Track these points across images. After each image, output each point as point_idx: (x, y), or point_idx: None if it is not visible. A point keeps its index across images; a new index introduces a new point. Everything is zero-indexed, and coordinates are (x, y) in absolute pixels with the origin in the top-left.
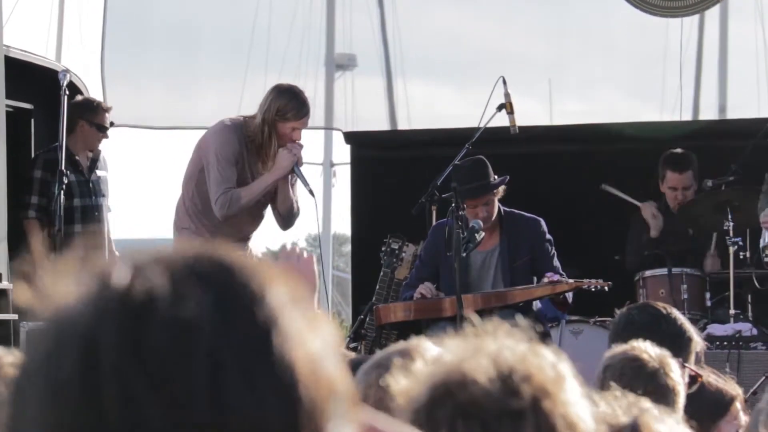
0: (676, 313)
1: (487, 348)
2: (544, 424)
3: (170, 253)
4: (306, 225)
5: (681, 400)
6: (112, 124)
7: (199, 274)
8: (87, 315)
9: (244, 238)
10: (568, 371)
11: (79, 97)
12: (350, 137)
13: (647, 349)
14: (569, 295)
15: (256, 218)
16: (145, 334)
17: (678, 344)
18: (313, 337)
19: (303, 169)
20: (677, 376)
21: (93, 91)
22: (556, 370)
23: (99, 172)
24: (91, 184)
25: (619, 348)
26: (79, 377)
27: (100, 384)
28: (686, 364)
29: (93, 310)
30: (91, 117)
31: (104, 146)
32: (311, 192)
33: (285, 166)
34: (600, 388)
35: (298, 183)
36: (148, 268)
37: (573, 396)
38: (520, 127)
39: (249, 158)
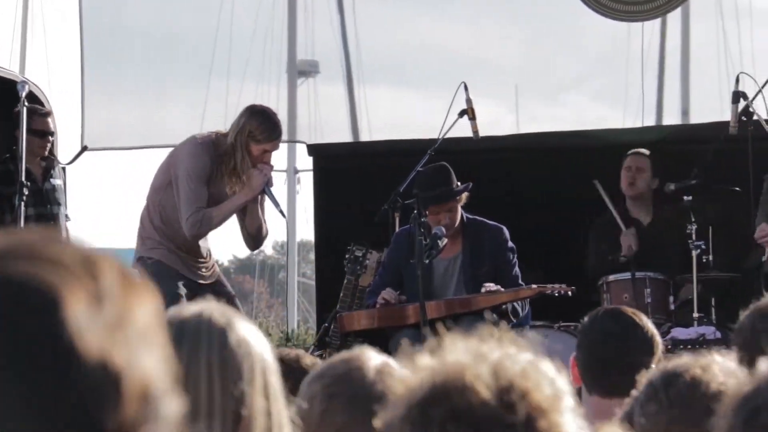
0: (644, 318)
1: (489, 356)
2: None
3: None
4: (272, 233)
5: None
6: (85, 148)
7: None
8: None
9: (206, 248)
10: (566, 388)
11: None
12: (313, 149)
13: None
14: (519, 305)
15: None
16: None
17: (648, 350)
18: (122, 339)
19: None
20: None
21: (59, 104)
22: (554, 388)
23: (53, 181)
24: (44, 193)
25: None
26: None
27: None
28: (652, 365)
29: None
30: (28, 124)
31: (79, 164)
32: (282, 213)
33: (256, 186)
34: None
35: (267, 203)
36: None
37: (567, 416)
38: (487, 136)
39: (218, 177)
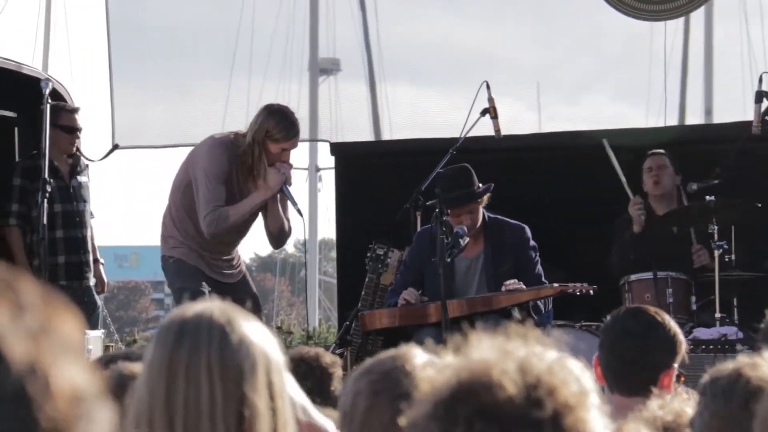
0: (666, 317)
1: (516, 353)
2: None
3: None
4: (294, 231)
5: None
6: (117, 146)
7: None
8: None
9: (230, 245)
10: (591, 386)
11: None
12: (335, 148)
13: None
14: (541, 303)
15: (242, 230)
16: None
17: (671, 350)
18: (47, 344)
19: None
20: None
21: (81, 101)
22: (580, 386)
23: (80, 178)
24: (71, 190)
25: None
26: None
27: None
28: (674, 365)
29: None
30: (56, 120)
31: (107, 163)
32: (299, 212)
33: (273, 185)
34: None
35: (288, 202)
36: None
37: (593, 414)
38: (508, 135)
39: (238, 177)
